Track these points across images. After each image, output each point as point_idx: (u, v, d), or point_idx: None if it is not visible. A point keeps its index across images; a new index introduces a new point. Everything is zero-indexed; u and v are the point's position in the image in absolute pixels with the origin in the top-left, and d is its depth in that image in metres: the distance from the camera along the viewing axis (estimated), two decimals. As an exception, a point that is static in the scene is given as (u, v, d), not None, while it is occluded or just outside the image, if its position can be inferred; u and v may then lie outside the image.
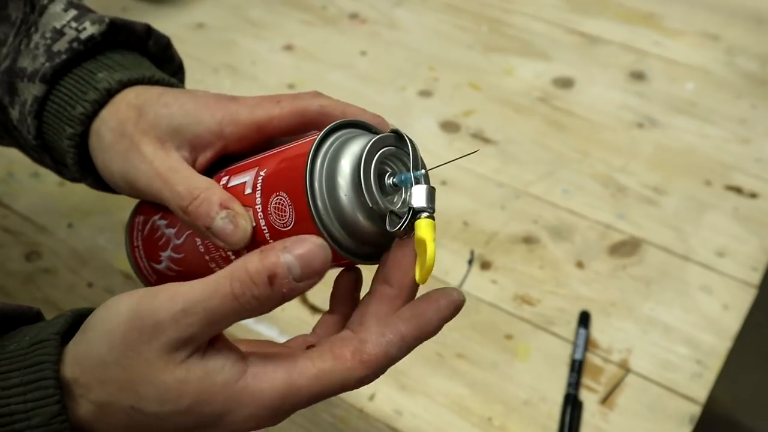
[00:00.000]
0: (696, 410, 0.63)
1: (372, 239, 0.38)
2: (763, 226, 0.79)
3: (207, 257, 0.43)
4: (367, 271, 0.40)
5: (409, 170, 0.39)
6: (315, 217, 0.37)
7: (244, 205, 0.41)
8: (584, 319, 0.69)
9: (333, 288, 0.40)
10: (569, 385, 0.64)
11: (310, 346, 0.39)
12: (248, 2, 1.12)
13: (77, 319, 0.39)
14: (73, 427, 0.36)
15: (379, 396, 0.64)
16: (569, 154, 0.87)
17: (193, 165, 0.44)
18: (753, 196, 0.83)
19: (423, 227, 0.38)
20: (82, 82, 0.47)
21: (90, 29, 0.47)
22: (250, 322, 0.69)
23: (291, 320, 0.69)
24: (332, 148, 0.38)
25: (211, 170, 0.45)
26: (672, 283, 0.73)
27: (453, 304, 0.38)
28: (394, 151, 0.39)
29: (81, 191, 0.81)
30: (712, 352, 0.68)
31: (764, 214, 0.81)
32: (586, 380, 0.65)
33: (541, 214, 0.80)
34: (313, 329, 0.42)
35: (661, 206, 0.81)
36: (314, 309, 0.70)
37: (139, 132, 0.44)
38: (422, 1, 1.12)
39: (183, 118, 0.44)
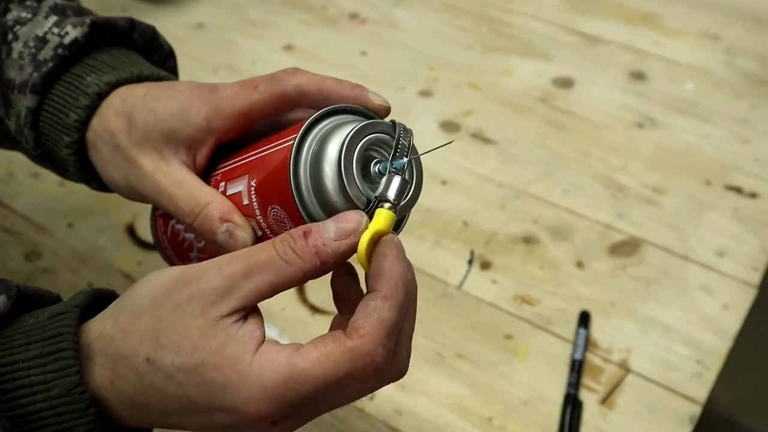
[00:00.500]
0: (696, 410, 0.63)
1: None
2: (763, 226, 0.79)
3: None
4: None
5: (398, 157, 0.38)
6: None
7: (246, 215, 0.42)
8: (584, 319, 0.69)
9: (332, 290, 0.40)
10: (569, 385, 0.64)
11: None
12: (248, 2, 1.12)
13: (97, 297, 0.39)
14: (93, 398, 0.37)
15: (379, 396, 0.64)
16: (569, 154, 0.87)
17: (193, 165, 0.45)
18: (753, 196, 0.83)
19: (377, 217, 0.37)
20: (72, 88, 0.47)
21: (72, 33, 0.47)
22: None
23: (291, 320, 0.69)
24: (314, 145, 0.38)
25: (213, 162, 0.45)
26: (672, 283, 0.73)
27: (394, 244, 0.37)
28: (385, 138, 0.39)
29: (81, 191, 0.81)
30: (712, 352, 0.68)
31: (764, 214, 0.81)
32: (586, 380, 0.65)
33: (541, 214, 0.80)
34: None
35: (661, 206, 0.81)
36: (314, 309, 0.70)
37: (134, 145, 0.45)
38: (422, 1, 1.12)
39: (171, 121, 0.44)
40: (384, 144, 0.39)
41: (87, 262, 0.74)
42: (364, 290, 0.38)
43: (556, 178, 0.84)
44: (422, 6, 1.11)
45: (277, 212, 0.39)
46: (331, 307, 0.40)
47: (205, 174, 0.45)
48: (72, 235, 0.77)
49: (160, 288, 0.37)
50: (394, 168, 0.38)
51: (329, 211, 0.38)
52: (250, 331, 0.36)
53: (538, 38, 1.05)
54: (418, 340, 0.67)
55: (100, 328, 0.37)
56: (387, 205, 0.37)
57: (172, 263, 0.49)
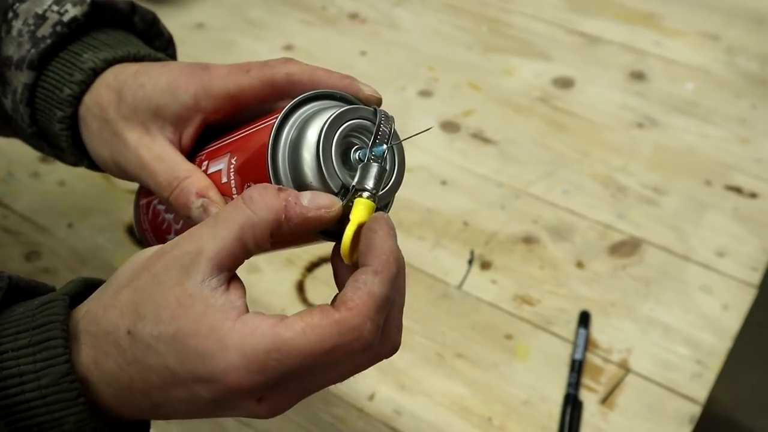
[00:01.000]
0: (696, 410, 0.63)
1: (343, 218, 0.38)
2: (763, 226, 0.79)
3: None
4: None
5: (378, 144, 0.38)
6: None
7: (223, 194, 0.42)
8: (584, 319, 0.69)
9: (333, 269, 0.39)
10: (569, 385, 0.64)
11: None
12: (248, 2, 1.12)
13: (88, 285, 0.39)
14: (80, 380, 0.36)
15: (379, 396, 0.64)
16: (569, 154, 0.87)
17: (179, 143, 0.45)
18: (753, 196, 0.83)
19: (356, 208, 0.37)
20: (68, 64, 0.47)
21: (72, 11, 0.47)
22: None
23: (291, 320, 0.69)
24: (295, 126, 0.38)
25: (199, 144, 0.45)
26: (672, 283, 0.73)
27: (384, 220, 0.36)
28: (367, 125, 0.38)
29: (81, 191, 0.81)
30: (712, 352, 0.68)
31: (764, 214, 0.81)
32: (586, 380, 0.65)
33: (541, 214, 0.80)
34: None
35: (661, 206, 0.81)
36: (314, 309, 0.70)
37: (121, 118, 0.45)
38: (422, 1, 1.12)
39: (159, 97, 0.44)
40: (365, 131, 0.39)
41: (87, 262, 0.74)
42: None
43: (556, 178, 0.84)
44: (422, 6, 1.11)
45: None
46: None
47: (191, 155, 0.45)
48: (72, 235, 0.77)
49: (140, 263, 0.37)
50: (373, 155, 0.37)
51: (301, 186, 0.38)
52: (230, 301, 0.35)
53: (538, 38, 1.05)
54: (418, 340, 0.68)
55: (85, 308, 0.37)
56: (366, 194, 0.37)
57: (150, 245, 0.49)
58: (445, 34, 1.06)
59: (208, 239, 0.35)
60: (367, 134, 0.39)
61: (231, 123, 0.44)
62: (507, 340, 0.69)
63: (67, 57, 0.47)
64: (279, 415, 0.36)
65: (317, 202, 0.36)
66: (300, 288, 0.72)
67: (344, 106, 0.39)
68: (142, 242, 0.50)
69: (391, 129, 0.38)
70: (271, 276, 0.73)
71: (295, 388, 0.36)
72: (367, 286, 0.35)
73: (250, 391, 0.34)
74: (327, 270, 0.73)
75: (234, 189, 0.41)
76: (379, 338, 0.36)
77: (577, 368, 0.65)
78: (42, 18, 0.47)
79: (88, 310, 0.37)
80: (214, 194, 0.42)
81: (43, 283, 0.40)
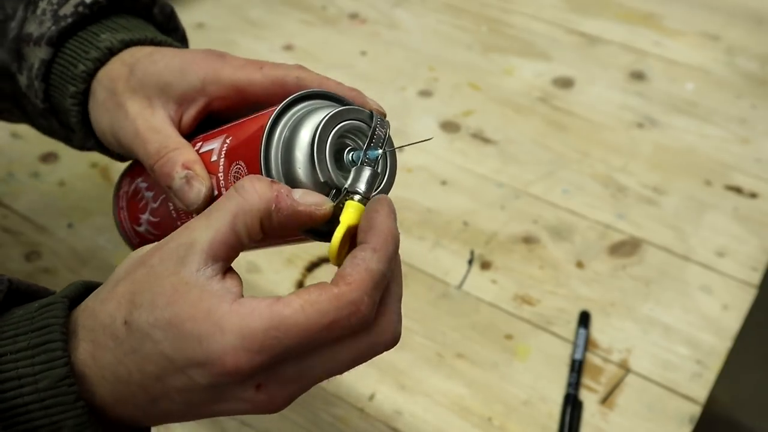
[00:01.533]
0: (696, 410, 0.63)
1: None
2: (763, 226, 0.79)
3: (179, 222, 0.44)
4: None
5: (373, 147, 0.38)
6: None
7: (210, 172, 0.42)
8: (584, 319, 0.69)
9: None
10: (569, 385, 0.64)
11: None
12: (248, 2, 1.12)
13: (88, 289, 0.39)
14: (80, 387, 0.36)
15: (379, 396, 0.64)
16: (569, 154, 0.87)
17: (179, 122, 0.45)
18: (753, 196, 0.83)
19: (347, 210, 0.37)
20: (85, 43, 0.48)
21: None
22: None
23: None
24: (293, 119, 0.38)
25: (198, 131, 0.45)
26: (672, 283, 0.73)
27: (386, 201, 0.37)
28: (363, 127, 0.39)
29: (81, 191, 0.81)
30: (712, 352, 0.68)
31: (764, 214, 0.81)
32: (586, 380, 0.65)
33: (541, 214, 0.80)
34: None
35: (661, 206, 0.81)
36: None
37: (128, 90, 0.46)
38: (422, 1, 1.12)
39: (169, 75, 0.45)
40: (360, 133, 0.39)
41: (87, 262, 0.74)
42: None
43: (556, 178, 0.84)
44: (422, 6, 1.11)
45: (239, 168, 0.39)
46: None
47: (188, 137, 0.45)
48: (72, 235, 0.77)
49: (136, 259, 0.37)
50: (367, 158, 0.37)
51: (292, 179, 0.37)
52: (226, 287, 0.35)
53: (538, 38, 1.05)
54: (418, 340, 0.68)
55: (83, 306, 0.37)
56: (357, 197, 0.37)
57: (121, 227, 0.49)
58: (445, 34, 1.06)
59: (201, 230, 0.36)
60: (361, 136, 0.39)
61: (233, 116, 0.44)
62: (507, 340, 0.69)
63: (85, 36, 0.48)
64: (279, 409, 0.36)
65: (308, 199, 0.37)
66: (300, 288, 0.72)
67: (341, 106, 0.39)
68: (116, 224, 0.50)
69: (386, 133, 0.39)
70: (271, 276, 0.73)
71: (294, 373, 0.35)
72: (365, 262, 0.35)
73: (248, 374, 0.34)
74: (327, 270, 0.73)
75: (221, 168, 0.41)
76: (375, 318, 0.36)
77: (577, 368, 0.65)
78: None
79: (86, 306, 0.37)
80: (199, 169, 0.42)
81: (43, 287, 0.40)
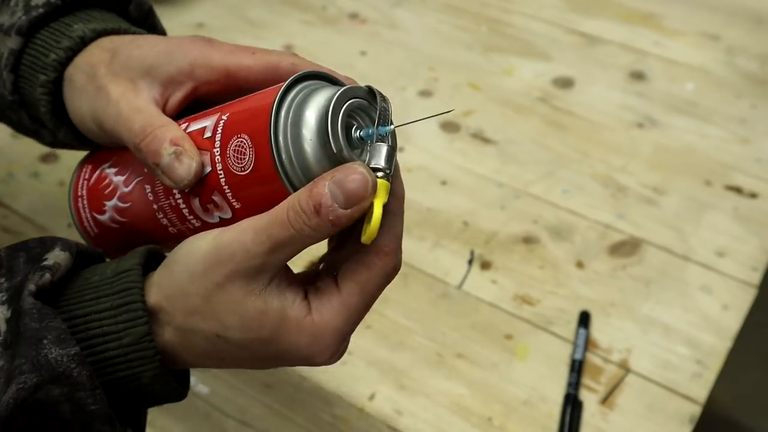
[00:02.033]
0: (696, 410, 0.63)
1: None
2: (763, 226, 0.79)
3: (155, 206, 0.43)
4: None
5: (383, 124, 0.38)
6: (276, 158, 0.37)
7: (201, 149, 0.40)
8: (584, 319, 0.69)
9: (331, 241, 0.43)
10: (569, 385, 0.64)
11: (320, 262, 0.42)
12: (248, 2, 1.12)
13: (152, 255, 0.42)
14: (159, 349, 0.39)
15: (379, 396, 0.64)
16: (569, 154, 0.87)
17: (164, 106, 0.44)
18: (753, 196, 0.83)
19: (378, 189, 0.37)
20: (57, 33, 0.47)
21: None
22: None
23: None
24: (300, 95, 0.38)
25: (182, 115, 0.44)
26: (672, 283, 0.73)
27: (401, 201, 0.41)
28: (365, 106, 0.38)
29: (81, 191, 0.81)
30: (712, 352, 0.68)
31: (764, 214, 0.81)
32: (586, 380, 0.65)
33: (541, 214, 0.80)
34: None
35: (661, 206, 0.81)
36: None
37: (110, 73, 0.45)
38: (422, 1, 1.12)
39: (155, 58, 0.44)
40: (361, 111, 0.39)
41: (87, 262, 0.74)
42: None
43: (556, 178, 0.84)
44: (422, 6, 1.11)
45: (241, 142, 0.38)
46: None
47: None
48: (72, 236, 0.76)
49: (196, 266, 0.39)
50: (379, 134, 0.38)
51: (298, 150, 0.37)
52: (294, 292, 0.39)
53: (538, 38, 1.05)
54: (418, 340, 0.68)
55: (155, 300, 0.40)
56: (380, 174, 0.37)
57: (78, 217, 0.48)
58: (445, 34, 1.06)
59: (267, 256, 0.38)
60: (363, 115, 0.39)
61: (218, 102, 0.43)
62: (507, 340, 0.69)
63: (57, 27, 0.47)
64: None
65: (353, 197, 0.37)
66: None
67: (344, 86, 0.39)
68: (71, 214, 0.48)
69: (389, 108, 0.39)
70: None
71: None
72: (395, 228, 0.39)
73: (336, 353, 0.40)
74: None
75: (217, 143, 0.39)
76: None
77: (577, 368, 0.65)
78: None
79: (162, 308, 0.40)
80: (189, 145, 0.41)
81: (93, 247, 0.44)
